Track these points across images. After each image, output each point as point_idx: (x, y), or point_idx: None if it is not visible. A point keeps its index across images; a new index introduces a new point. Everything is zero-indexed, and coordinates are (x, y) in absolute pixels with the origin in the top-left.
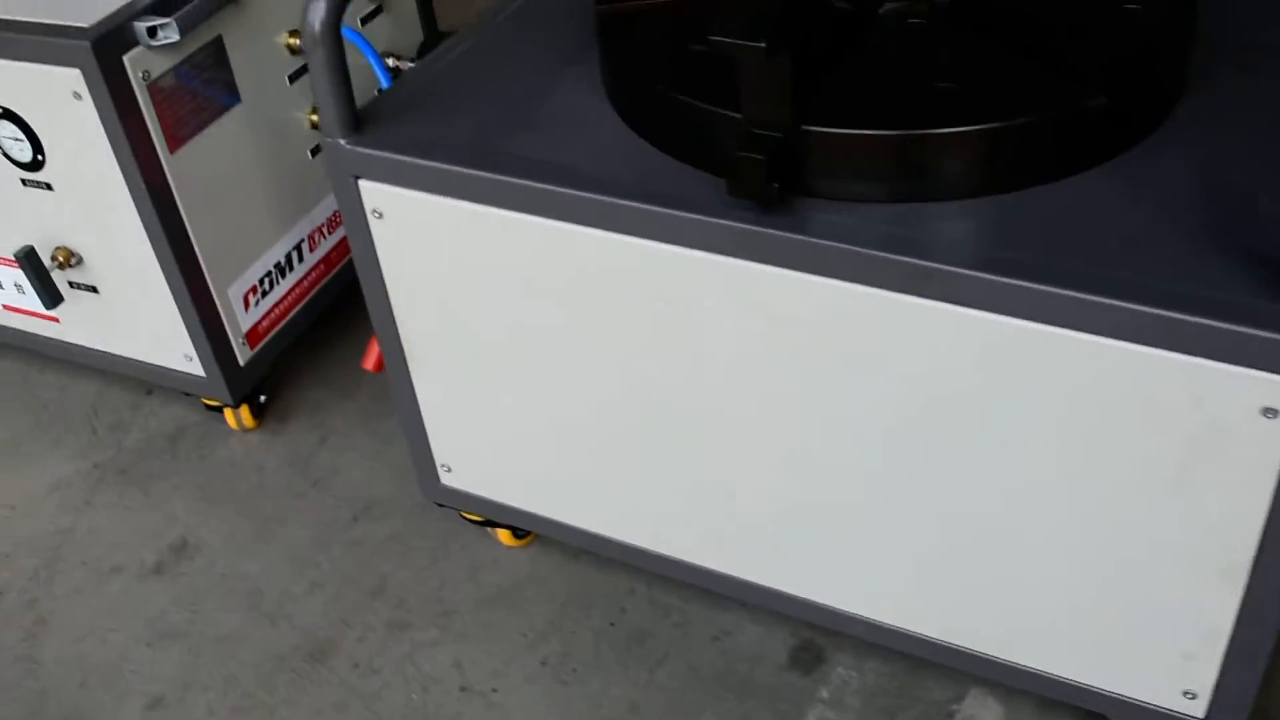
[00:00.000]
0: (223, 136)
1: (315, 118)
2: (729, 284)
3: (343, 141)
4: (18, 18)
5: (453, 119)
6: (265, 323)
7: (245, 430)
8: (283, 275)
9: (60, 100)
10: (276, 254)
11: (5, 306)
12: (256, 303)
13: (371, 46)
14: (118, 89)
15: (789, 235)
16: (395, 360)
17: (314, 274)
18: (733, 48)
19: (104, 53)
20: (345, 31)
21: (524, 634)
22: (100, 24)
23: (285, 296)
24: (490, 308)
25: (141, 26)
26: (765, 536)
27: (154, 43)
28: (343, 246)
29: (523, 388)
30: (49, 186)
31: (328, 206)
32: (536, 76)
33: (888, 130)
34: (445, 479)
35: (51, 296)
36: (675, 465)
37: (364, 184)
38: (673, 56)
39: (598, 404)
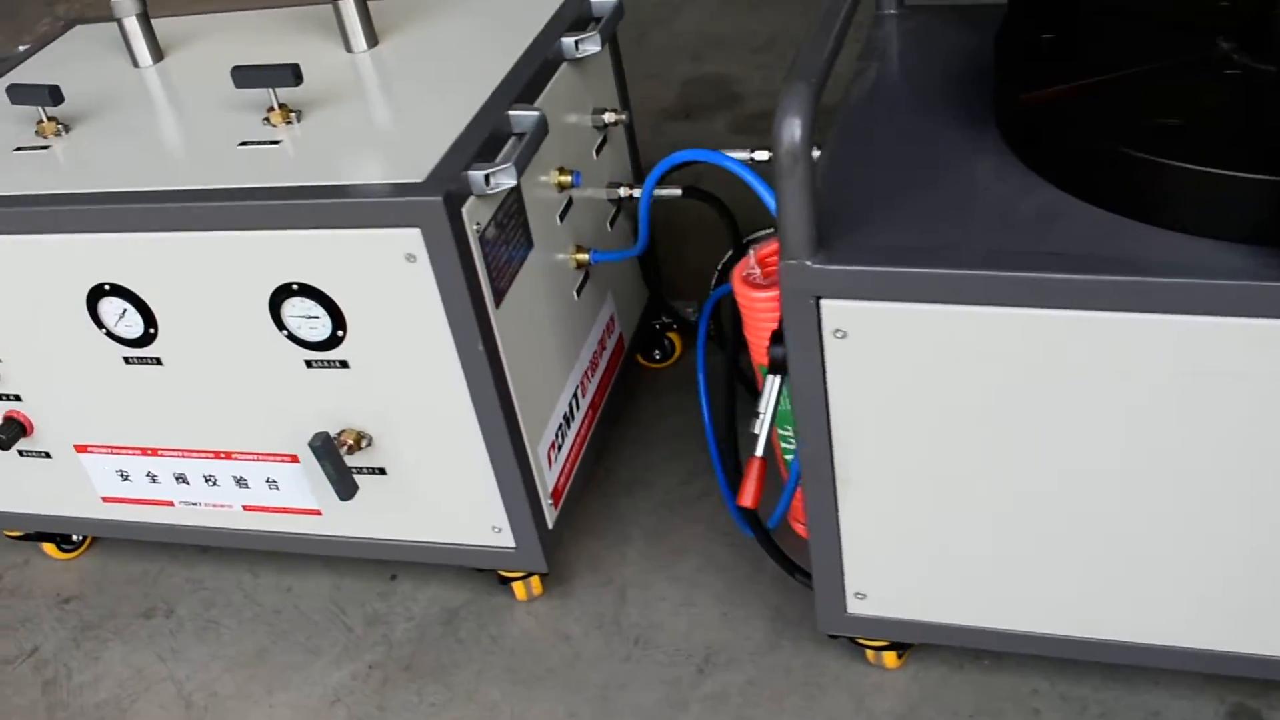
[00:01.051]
0: (524, 286)
1: (581, 256)
2: (1252, 346)
3: (809, 262)
4: (334, 181)
5: (891, 219)
6: (561, 479)
7: (530, 599)
8: (568, 425)
9: (386, 265)
10: (563, 404)
11: (246, 508)
12: (555, 459)
13: (755, 173)
14: (458, 245)
15: None
16: (820, 489)
17: (586, 420)
18: None
19: (450, 208)
20: (716, 156)
21: None
22: (438, 177)
23: (571, 448)
24: (950, 414)
25: (479, 175)
26: (1187, 594)
27: (489, 191)
28: (601, 388)
29: (964, 494)
30: (344, 364)
31: (589, 346)
32: (938, 160)
33: None
34: (855, 607)
35: (349, 487)
36: (1103, 541)
37: (826, 303)
38: (1153, 130)
39: (1046, 491)
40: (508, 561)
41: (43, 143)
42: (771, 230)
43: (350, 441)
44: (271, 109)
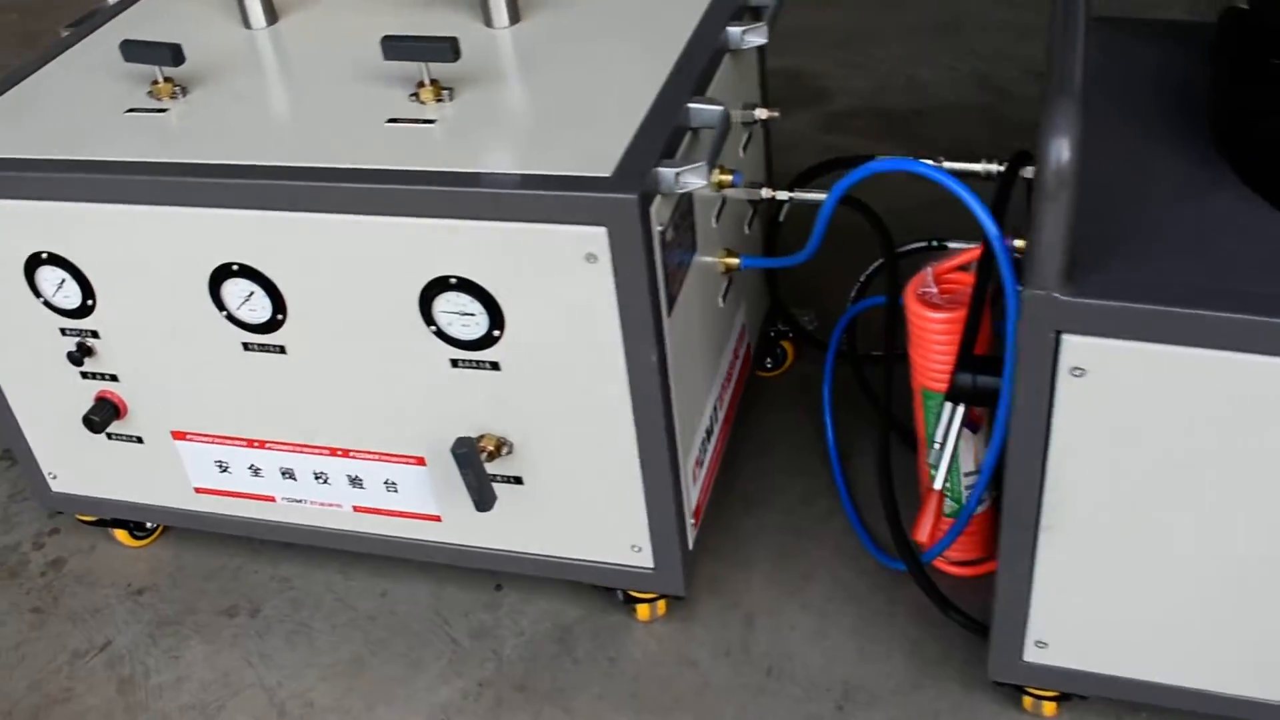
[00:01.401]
0: (687, 292)
1: (731, 260)
2: None
3: (1057, 294)
4: (507, 170)
5: (1131, 253)
6: (701, 497)
7: (651, 620)
8: (709, 440)
9: (562, 264)
10: (706, 417)
11: (356, 508)
12: (698, 475)
13: (974, 192)
14: (645, 246)
15: None
16: (1018, 533)
17: (722, 434)
18: None
19: (641, 207)
20: (924, 167)
21: None
22: (628, 173)
23: (710, 464)
24: (1179, 464)
25: (669, 173)
26: None
27: (676, 190)
28: (733, 400)
29: (1174, 548)
30: (494, 366)
31: (727, 356)
32: (1164, 186)
33: None
34: (1032, 655)
35: (489, 497)
36: None
37: (1068, 339)
38: None
39: (1261, 554)
40: (643, 583)
41: (158, 105)
42: (924, 244)
43: (490, 448)
44: (422, 84)
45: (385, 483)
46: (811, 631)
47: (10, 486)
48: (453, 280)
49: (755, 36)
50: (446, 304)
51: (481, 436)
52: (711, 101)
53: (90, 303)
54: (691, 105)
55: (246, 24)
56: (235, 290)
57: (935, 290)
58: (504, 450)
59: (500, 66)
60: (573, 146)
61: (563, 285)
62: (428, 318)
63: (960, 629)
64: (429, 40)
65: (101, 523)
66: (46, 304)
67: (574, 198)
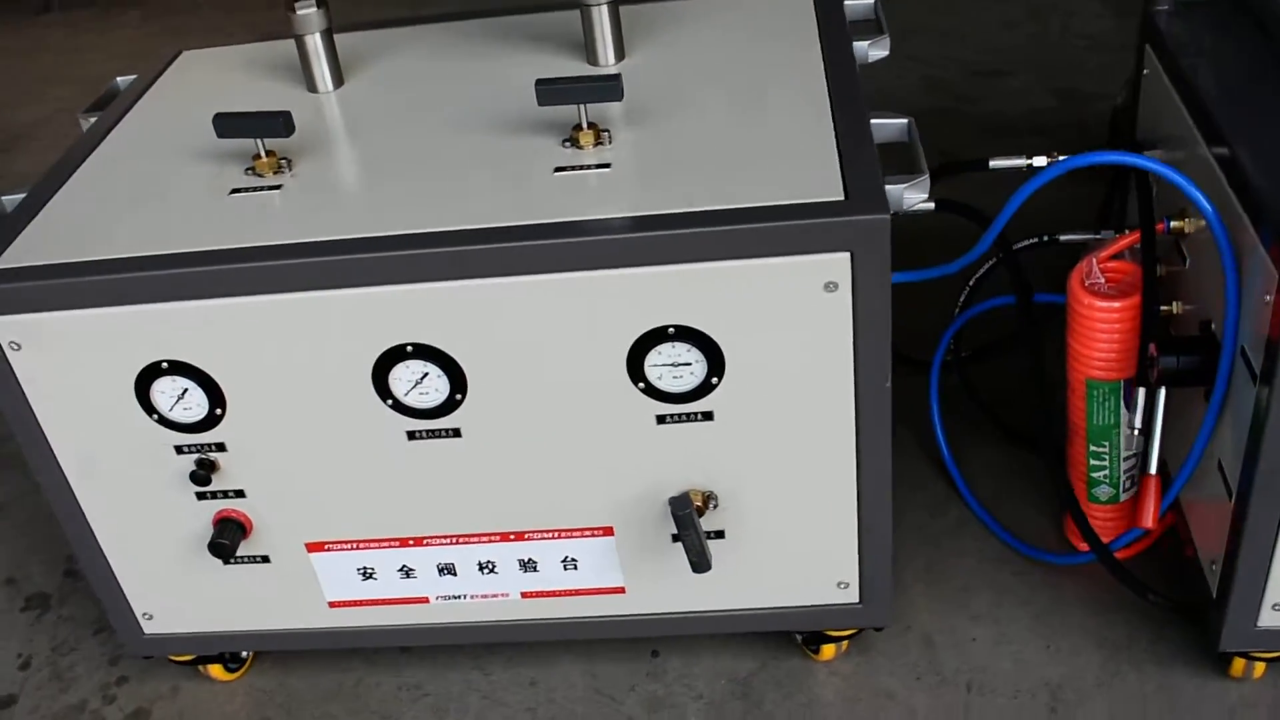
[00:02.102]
0: None
1: None
2: None
3: None
4: (722, 205)
5: None
6: None
7: (833, 658)
8: None
9: (799, 296)
10: None
11: (525, 594)
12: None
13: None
14: (888, 267)
15: None
16: (1269, 506)
17: None
18: None
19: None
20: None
21: None
22: (864, 194)
23: None
24: None
25: (897, 190)
26: None
27: (903, 208)
28: None
29: None
30: (707, 416)
31: None
32: None
33: None
34: (1267, 620)
35: (708, 557)
36: None
37: None
38: None
39: None
40: (849, 619)
41: (267, 182)
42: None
43: (698, 504)
44: (579, 128)
45: (564, 560)
46: (992, 640)
47: (49, 638)
48: (671, 330)
49: (879, 49)
50: (660, 356)
51: (689, 493)
52: (894, 115)
53: (219, 411)
54: (876, 120)
55: (313, 87)
56: (406, 374)
57: (1103, 280)
58: (711, 505)
59: (641, 103)
60: (780, 175)
61: (796, 319)
62: (635, 374)
63: (1133, 612)
64: (588, 80)
65: (195, 659)
66: (161, 420)
67: (819, 225)
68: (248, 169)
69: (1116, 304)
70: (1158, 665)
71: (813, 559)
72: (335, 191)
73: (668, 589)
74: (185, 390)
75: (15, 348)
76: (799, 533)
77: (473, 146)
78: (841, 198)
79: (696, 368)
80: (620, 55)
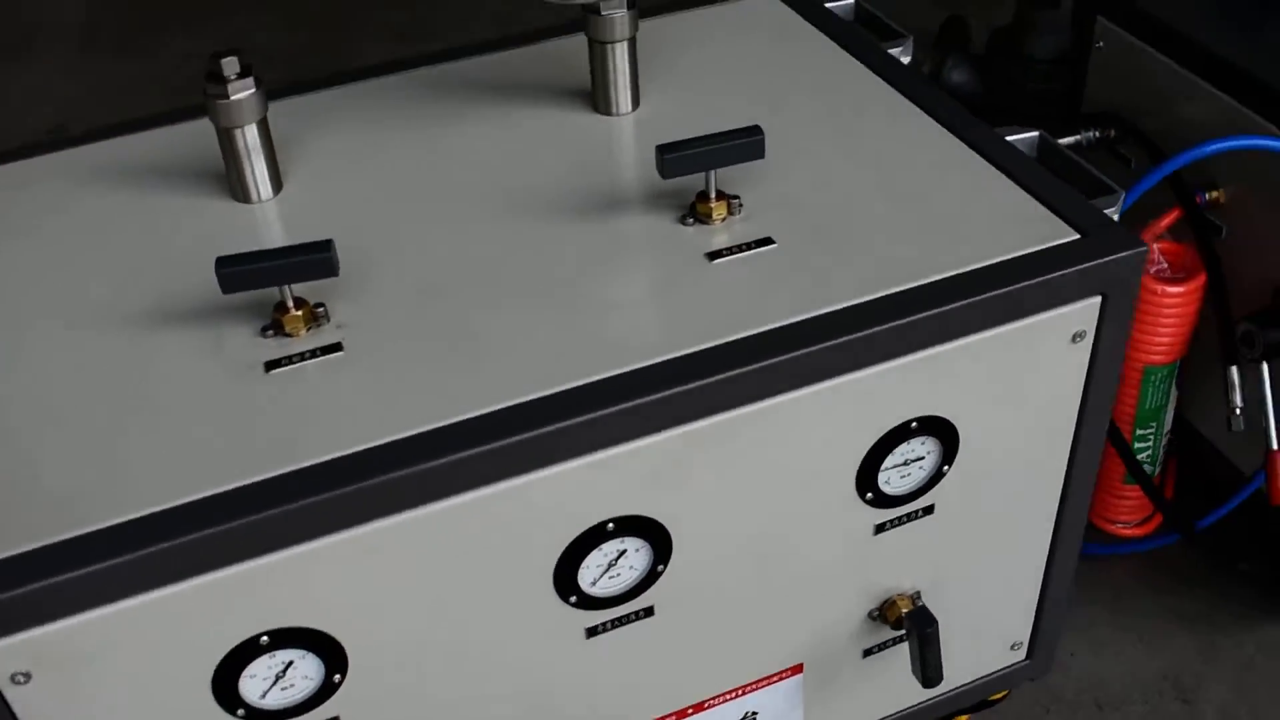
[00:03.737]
0: None
1: None
2: None
3: None
4: (961, 268)
5: None
6: None
7: None
8: None
9: (1040, 354)
10: None
11: None
12: None
13: None
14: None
15: None
16: None
17: None
18: None
19: None
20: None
21: None
22: (1099, 227)
23: None
24: None
25: (1112, 213)
26: None
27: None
28: None
29: None
30: (928, 511)
31: None
32: None
33: None
34: None
35: (942, 670)
36: None
37: None
38: None
39: None
40: (1015, 678)
41: (314, 342)
42: None
43: (905, 608)
44: (705, 198)
45: (744, 717)
46: (1089, 650)
47: None
48: (914, 424)
49: (905, 53)
50: (895, 457)
51: (892, 601)
52: (1022, 130)
53: (337, 679)
54: (1009, 138)
55: (246, 197)
56: (599, 557)
57: (1166, 266)
58: (917, 603)
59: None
60: (978, 222)
61: (1035, 380)
62: (864, 484)
63: (1199, 585)
64: (724, 140)
65: None
66: (250, 713)
67: (1074, 274)
68: (266, 328)
69: (1182, 288)
70: (1247, 629)
71: (994, 628)
72: (425, 342)
73: (845, 706)
74: (289, 664)
75: (21, 680)
76: (988, 606)
77: (566, 239)
78: (1075, 235)
79: (929, 460)
80: (636, 101)
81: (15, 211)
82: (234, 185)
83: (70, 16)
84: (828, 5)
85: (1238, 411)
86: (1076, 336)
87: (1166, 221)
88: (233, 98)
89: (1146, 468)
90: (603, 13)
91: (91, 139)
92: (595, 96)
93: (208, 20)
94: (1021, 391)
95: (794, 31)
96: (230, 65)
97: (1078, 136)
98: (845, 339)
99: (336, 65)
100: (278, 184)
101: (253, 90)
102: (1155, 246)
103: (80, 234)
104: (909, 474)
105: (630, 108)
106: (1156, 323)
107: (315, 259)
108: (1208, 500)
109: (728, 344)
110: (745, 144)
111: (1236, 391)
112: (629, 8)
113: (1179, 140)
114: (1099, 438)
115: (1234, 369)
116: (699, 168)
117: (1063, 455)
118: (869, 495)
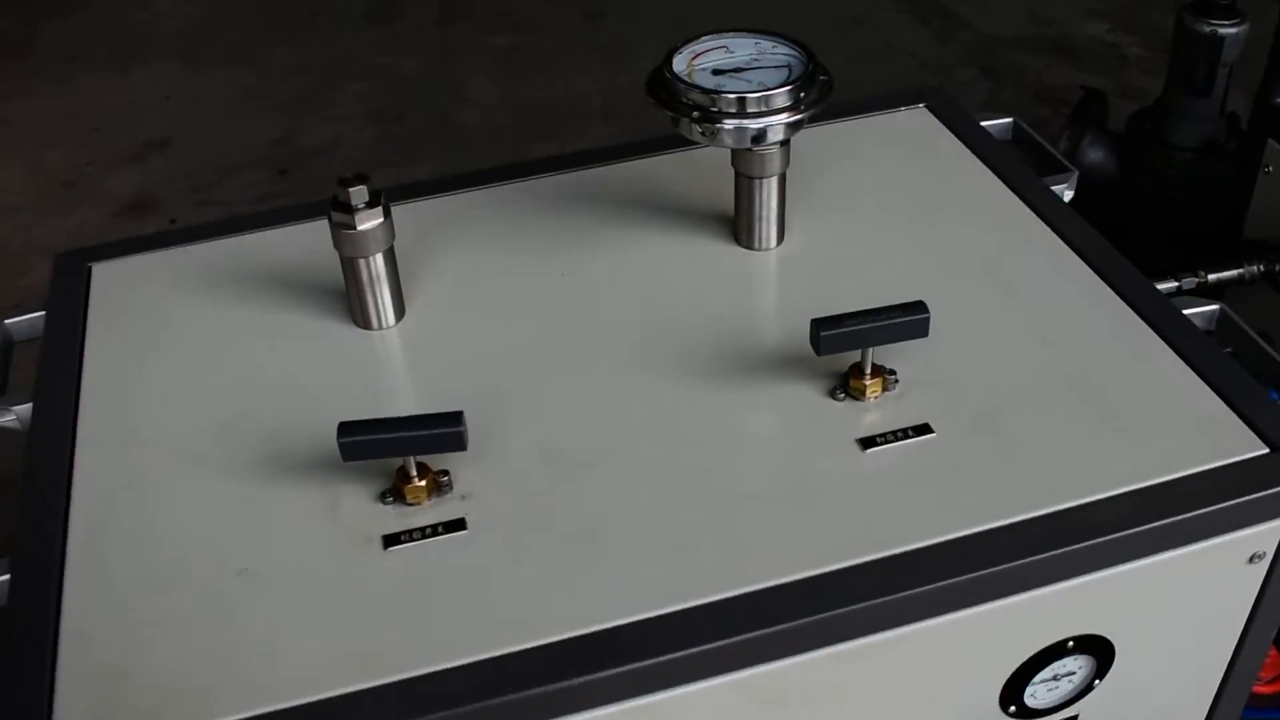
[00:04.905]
0: None
1: None
2: None
3: None
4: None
5: None
6: None
7: None
8: None
9: (1212, 578)
10: None
11: None
12: None
13: None
14: None
15: None
16: None
17: None
18: None
19: None
20: None
21: None
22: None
23: None
24: None
25: None
26: None
27: None
28: None
29: None
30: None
31: None
32: None
33: None
34: None
35: None
36: None
37: None
38: None
39: None
40: None
41: (436, 515)
42: None
43: None
44: (859, 372)
45: None
46: None
47: None
48: (1070, 644)
49: (1069, 190)
50: (1045, 673)
51: None
52: (1200, 300)
53: None
54: (1189, 311)
55: (368, 323)
56: None
57: None
58: None
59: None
60: (1153, 425)
61: (1204, 599)
62: (1009, 697)
63: None
64: (894, 313)
65: None
66: None
67: (1260, 500)
68: (386, 494)
69: None
70: None
71: None
72: (547, 535)
73: None
74: None
75: None
76: None
77: (706, 403)
78: (1264, 449)
79: (1080, 675)
80: (782, 236)
81: (129, 316)
82: (355, 312)
83: (174, 24)
84: (984, 124)
85: None
86: (1255, 558)
87: None
88: (359, 228)
89: None
90: (766, 143)
91: (207, 235)
92: (738, 228)
93: (312, 32)
94: (1188, 610)
95: (948, 156)
96: (359, 195)
97: (1240, 270)
98: (1008, 566)
99: (445, 97)
100: (400, 311)
101: (380, 220)
102: None
103: (196, 348)
104: (1057, 688)
105: (775, 243)
106: None
107: (445, 433)
108: None
109: (879, 560)
110: (909, 323)
111: None
112: (783, 145)
113: None
114: (1262, 651)
115: None
116: (857, 346)
117: (1220, 668)
118: (1012, 708)
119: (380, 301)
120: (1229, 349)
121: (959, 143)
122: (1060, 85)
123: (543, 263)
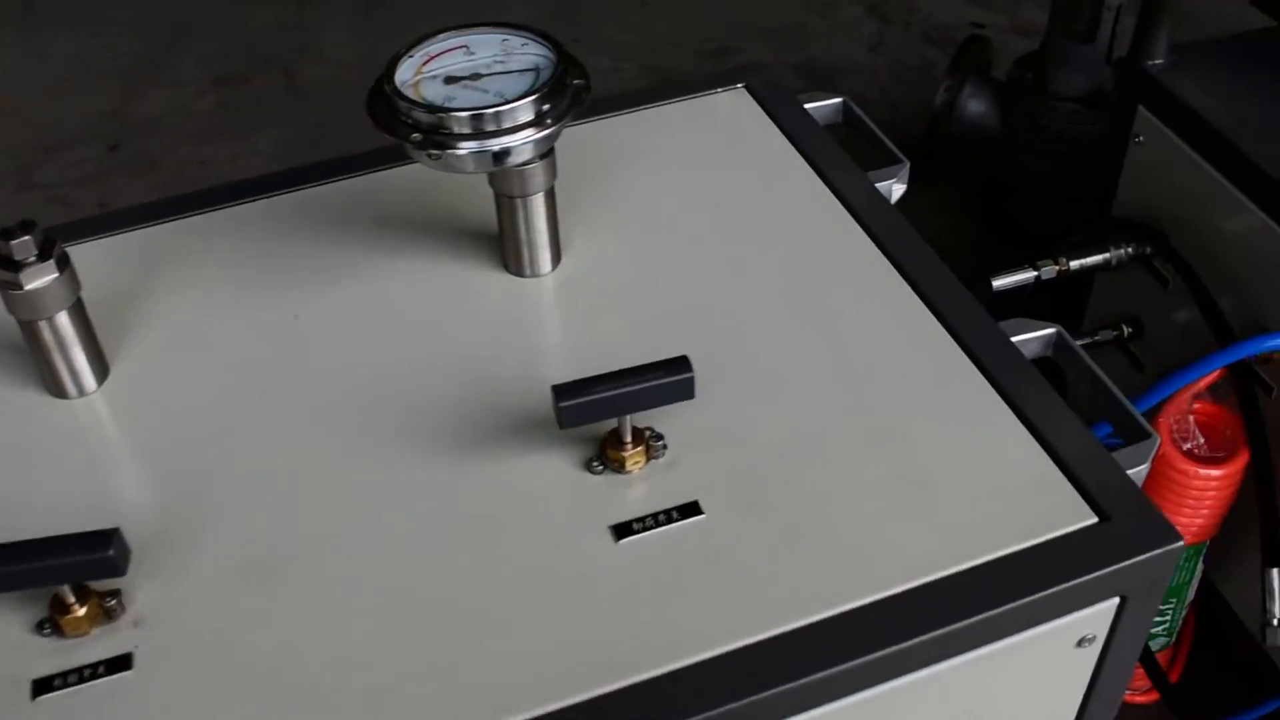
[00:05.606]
0: None
1: None
2: None
3: None
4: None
5: None
6: None
7: None
8: None
9: (1035, 667)
10: None
11: None
12: None
13: None
14: None
15: None
16: None
17: None
18: None
19: None
20: None
21: None
22: (1131, 505)
23: None
24: None
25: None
26: None
27: None
28: None
29: None
30: None
31: None
32: None
33: None
34: None
35: None
36: None
37: None
38: None
39: None
40: None
41: (98, 652)
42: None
43: None
44: (619, 441)
45: None
46: None
47: None
48: None
49: (900, 184)
50: None
51: None
52: (1034, 322)
53: None
54: (1019, 337)
55: (64, 390)
56: None
57: (1203, 440)
58: None
59: (649, 351)
60: (966, 489)
61: (1029, 687)
62: None
63: None
64: (651, 374)
65: None
66: None
67: (1090, 582)
68: (43, 623)
69: (1220, 470)
70: None
71: None
72: (223, 681)
73: None
74: None
75: None
76: None
77: (443, 487)
78: (1094, 519)
79: None
80: (557, 258)
81: None
82: (44, 377)
83: None
84: (808, 105)
85: (1275, 622)
86: (1084, 641)
87: (1206, 381)
88: (28, 288)
89: (1160, 639)
90: (510, 164)
91: None
92: (505, 253)
93: None
94: (1007, 707)
95: (763, 149)
96: (24, 248)
97: (1106, 254)
98: (784, 689)
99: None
100: (102, 372)
101: (54, 276)
102: (1190, 416)
103: None
104: None
105: (550, 267)
106: (1184, 504)
107: (94, 559)
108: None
109: (617, 692)
110: (669, 385)
111: (1276, 599)
112: (543, 157)
113: (1220, 269)
114: None
115: (1275, 572)
116: (607, 415)
117: None
118: None
119: (71, 366)
120: (1066, 377)
121: (778, 131)
122: (952, 24)
123: (276, 300)
